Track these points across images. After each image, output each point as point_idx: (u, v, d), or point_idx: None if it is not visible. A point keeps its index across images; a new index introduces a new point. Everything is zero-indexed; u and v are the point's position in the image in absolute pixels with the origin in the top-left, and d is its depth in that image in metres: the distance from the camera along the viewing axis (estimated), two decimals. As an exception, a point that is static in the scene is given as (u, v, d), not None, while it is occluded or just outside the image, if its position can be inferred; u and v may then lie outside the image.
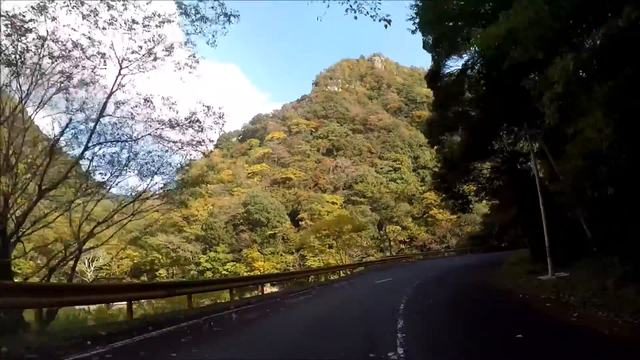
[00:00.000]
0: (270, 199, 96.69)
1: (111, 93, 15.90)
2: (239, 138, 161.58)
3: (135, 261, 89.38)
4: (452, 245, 77.74)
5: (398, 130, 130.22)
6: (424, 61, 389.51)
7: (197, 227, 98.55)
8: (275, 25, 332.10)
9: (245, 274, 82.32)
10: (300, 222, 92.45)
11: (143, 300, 22.57)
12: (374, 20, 9.28)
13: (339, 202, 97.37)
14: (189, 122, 17.25)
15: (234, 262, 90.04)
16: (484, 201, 40.62)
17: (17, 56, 13.16)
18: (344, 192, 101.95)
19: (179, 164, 18.73)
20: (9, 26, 12.87)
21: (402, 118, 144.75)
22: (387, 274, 28.17)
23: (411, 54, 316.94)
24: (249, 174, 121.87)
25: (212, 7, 15.62)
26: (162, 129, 17.08)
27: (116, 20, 15.10)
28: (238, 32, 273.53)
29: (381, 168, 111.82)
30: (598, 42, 9.50)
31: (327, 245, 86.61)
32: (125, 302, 13.54)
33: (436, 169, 32.35)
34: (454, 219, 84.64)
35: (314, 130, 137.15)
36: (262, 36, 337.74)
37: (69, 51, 14.51)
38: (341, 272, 37.54)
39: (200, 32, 16.00)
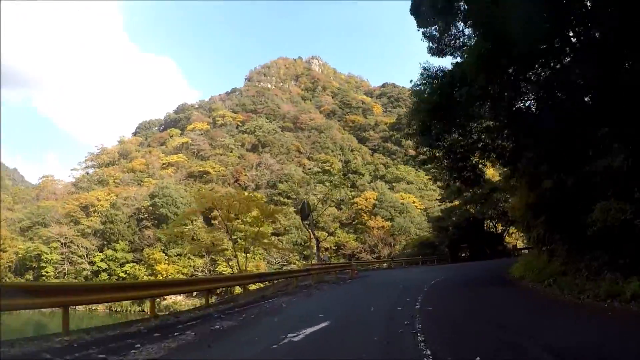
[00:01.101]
0: (182, 192, 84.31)
1: None
2: (160, 127, 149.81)
3: (19, 255, 75.60)
4: (384, 255, 69.48)
5: (330, 131, 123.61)
6: (363, 70, 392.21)
7: (96, 219, 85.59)
8: (213, 20, 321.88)
9: (145, 278, 70.21)
10: (213, 221, 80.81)
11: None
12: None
13: (260, 200, 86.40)
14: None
15: (134, 263, 77.63)
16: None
17: None
18: (266, 191, 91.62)
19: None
20: None
21: (335, 120, 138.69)
22: (316, 306, 14.30)
23: (350, 62, 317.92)
24: (163, 164, 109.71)
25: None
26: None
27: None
28: (175, 26, 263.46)
29: (309, 169, 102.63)
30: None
31: (242, 249, 76.31)
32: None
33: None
34: (387, 226, 76.84)
35: (240, 124, 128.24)
36: (199, 31, 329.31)
37: None
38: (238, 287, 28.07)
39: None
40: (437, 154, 20.81)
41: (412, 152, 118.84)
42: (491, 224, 55.40)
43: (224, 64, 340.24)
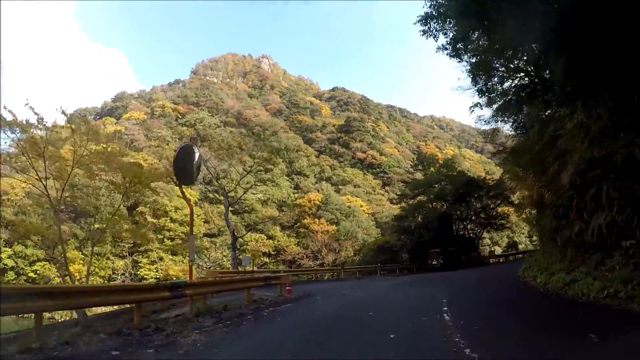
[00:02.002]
0: (106, 184, 74.83)
1: None
2: (97, 116, 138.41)
3: None
4: (328, 262, 63.10)
5: (275, 130, 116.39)
6: (314, 74, 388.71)
7: (7, 211, 74.75)
8: (166, 12, 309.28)
9: (58, 281, 60.89)
10: (137, 218, 72.07)
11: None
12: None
13: (193, 198, 78.23)
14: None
15: (46, 262, 67.60)
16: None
17: None
18: (200, 188, 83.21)
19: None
20: None
21: (281, 120, 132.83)
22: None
23: (301, 65, 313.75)
24: (90, 154, 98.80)
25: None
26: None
27: None
28: (127, 18, 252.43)
29: (250, 167, 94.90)
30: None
31: (169, 251, 68.18)
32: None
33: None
34: (332, 230, 70.60)
35: (180, 116, 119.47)
36: (151, 23, 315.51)
37: None
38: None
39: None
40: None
41: (360, 154, 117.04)
42: (462, 226, 49.82)
43: (174, 58, 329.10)
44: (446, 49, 20.10)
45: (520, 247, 68.85)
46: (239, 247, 70.34)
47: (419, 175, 62.31)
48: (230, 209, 78.61)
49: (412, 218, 48.99)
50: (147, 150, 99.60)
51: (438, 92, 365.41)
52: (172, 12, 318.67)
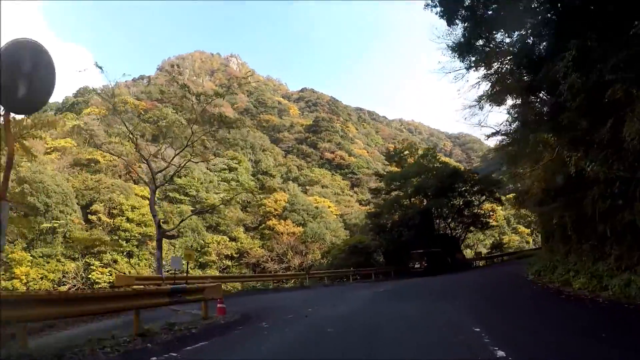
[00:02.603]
0: (58, 179, 69.83)
1: None
2: (57, 112, 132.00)
3: None
4: (294, 265, 60.03)
5: (241, 128, 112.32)
6: (283, 75, 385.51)
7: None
8: (134, 7, 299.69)
9: (3, 283, 56.25)
10: (90, 216, 67.79)
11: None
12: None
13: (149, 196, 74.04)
14: None
15: (-22, 263, 62.12)
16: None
17: None
18: (161, 186, 78.91)
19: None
20: None
21: (248, 118, 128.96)
22: None
23: (270, 65, 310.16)
24: (48, 149, 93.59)
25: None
26: None
27: None
28: (93, 14, 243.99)
29: (214, 165, 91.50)
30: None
31: (124, 253, 63.94)
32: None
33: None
34: (299, 232, 67.62)
35: (143, 112, 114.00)
36: (117, 18, 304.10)
37: None
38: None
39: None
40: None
41: (328, 155, 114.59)
42: (443, 225, 45.86)
43: (141, 54, 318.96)
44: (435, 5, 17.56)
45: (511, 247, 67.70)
46: (199, 249, 66.84)
47: (394, 169, 56.31)
48: (191, 208, 75.27)
49: (388, 215, 44.43)
50: (107, 146, 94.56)
51: (406, 96, 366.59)
52: (141, 9, 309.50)
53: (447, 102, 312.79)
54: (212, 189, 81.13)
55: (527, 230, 78.12)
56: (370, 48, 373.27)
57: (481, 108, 25.30)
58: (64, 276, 60.08)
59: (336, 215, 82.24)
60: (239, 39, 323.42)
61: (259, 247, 68.92)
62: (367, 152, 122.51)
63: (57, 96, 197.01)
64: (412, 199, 44.47)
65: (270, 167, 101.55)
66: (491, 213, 50.07)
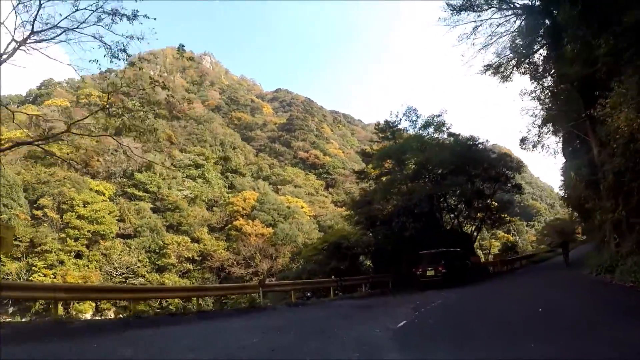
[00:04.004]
0: (5, 170, 62.62)
1: None
2: (19, 104, 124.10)
3: None
4: (263, 270, 54.03)
5: (211, 124, 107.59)
6: (257, 75, 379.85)
7: None
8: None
9: None
10: (35, 211, 61.00)
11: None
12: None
13: (108, 193, 67.57)
14: None
15: None
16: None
17: None
18: (119, 181, 72.53)
19: None
20: None
21: (220, 116, 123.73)
22: None
23: (244, 65, 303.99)
24: (2, 140, 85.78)
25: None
26: None
27: None
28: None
29: (179, 160, 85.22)
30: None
31: (72, 253, 57.29)
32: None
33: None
34: (268, 233, 61.87)
35: (107, 105, 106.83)
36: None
37: None
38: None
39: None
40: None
41: (302, 154, 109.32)
42: (449, 217, 35.91)
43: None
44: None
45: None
46: (157, 250, 60.63)
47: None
48: (151, 206, 69.07)
49: (383, 202, 32.82)
50: (67, 139, 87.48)
51: (382, 101, 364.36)
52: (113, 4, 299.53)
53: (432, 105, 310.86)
54: (175, 186, 74.82)
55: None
56: (345, 52, 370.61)
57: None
58: (5, 278, 53.06)
59: (310, 216, 76.92)
60: (213, 38, 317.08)
61: (224, 249, 62.91)
62: (343, 152, 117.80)
63: (21, 89, 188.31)
64: (411, 184, 33.30)
65: (241, 165, 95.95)
66: (507, 205, 39.52)
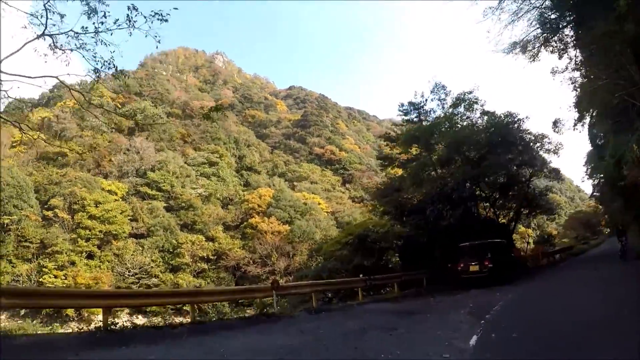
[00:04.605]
0: (14, 171, 61.58)
1: None
2: (32, 107, 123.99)
3: None
4: (280, 268, 52.11)
5: (225, 122, 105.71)
6: (270, 73, 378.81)
7: None
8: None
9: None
10: (45, 212, 59.78)
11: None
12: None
13: (120, 192, 66.13)
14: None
15: None
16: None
17: None
18: (131, 180, 71.07)
19: None
20: None
21: (233, 114, 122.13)
22: None
23: (257, 64, 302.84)
24: (14, 142, 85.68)
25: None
26: None
27: None
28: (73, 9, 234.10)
29: (192, 158, 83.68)
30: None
31: (84, 253, 55.90)
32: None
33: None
34: (285, 230, 59.78)
35: (119, 106, 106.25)
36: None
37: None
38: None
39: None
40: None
41: (317, 150, 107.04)
42: (482, 206, 32.15)
43: (124, 50, 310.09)
44: None
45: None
46: (171, 250, 59.09)
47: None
48: (164, 205, 67.55)
49: (413, 189, 29.36)
50: (79, 140, 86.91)
51: (398, 96, 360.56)
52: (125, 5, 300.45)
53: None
54: (189, 184, 73.17)
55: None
56: (359, 49, 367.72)
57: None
58: (14, 279, 51.87)
59: (327, 212, 74.57)
60: (225, 38, 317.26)
61: (240, 248, 60.87)
62: (359, 148, 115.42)
63: (34, 92, 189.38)
64: (441, 170, 30.39)
65: (256, 162, 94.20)
66: (545, 192, 35.28)
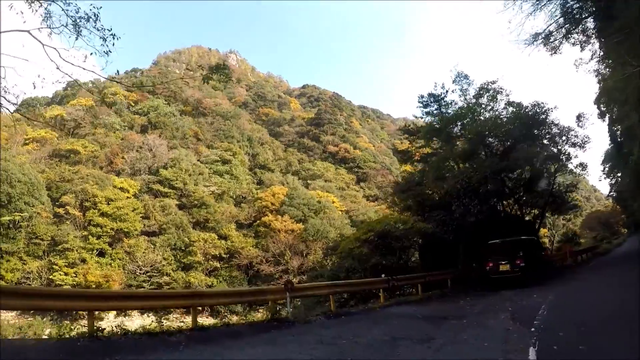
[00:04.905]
0: (26, 167, 60.94)
1: None
2: (46, 105, 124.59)
3: None
4: (293, 267, 50.99)
5: (238, 120, 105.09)
6: (284, 72, 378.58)
7: None
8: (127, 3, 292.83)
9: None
10: (57, 209, 59.24)
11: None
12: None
13: (132, 190, 65.47)
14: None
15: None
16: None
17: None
18: (144, 178, 70.39)
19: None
20: None
21: (247, 112, 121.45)
22: None
23: (270, 63, 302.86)
24: (26, 139, 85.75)
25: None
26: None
27: None
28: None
29: (205, 156, 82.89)
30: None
31: (95, 251, 55.28)
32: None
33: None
34: (298, 229, 58.58)
35: (132, 104, 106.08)
36: (113, 15, 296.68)
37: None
38: None
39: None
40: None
41: (331, 148, 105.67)
42: (505, 203, 30.40)
43: (138, 50, 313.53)
44: None
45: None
46: (183, 248, 58.29)
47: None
48: (176, 203, 66.77)
49: (434, 183, 27.63)
50: (91, 137, 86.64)
51: (411, 96, 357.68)
52: (140, 5, 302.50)
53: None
54: (202, 182, 72.28)
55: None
56: (372, 49, 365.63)
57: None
58: (26, 277, 51.33)
59: (341, 211, 73.18)
60: (238, 36, 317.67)
61: (252, 246, 59.76)
62: (374, 146, 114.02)
63: (48, 91, 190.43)
64: (463, 165, 28.45)
65: (269, 160, 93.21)
66: (571, 188, 32.80)
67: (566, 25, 22.58)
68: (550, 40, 22.94)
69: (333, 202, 74.30)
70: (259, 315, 17.58)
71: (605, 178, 45.90)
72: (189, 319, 11.39)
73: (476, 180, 24.14)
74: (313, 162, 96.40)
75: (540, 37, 22.62)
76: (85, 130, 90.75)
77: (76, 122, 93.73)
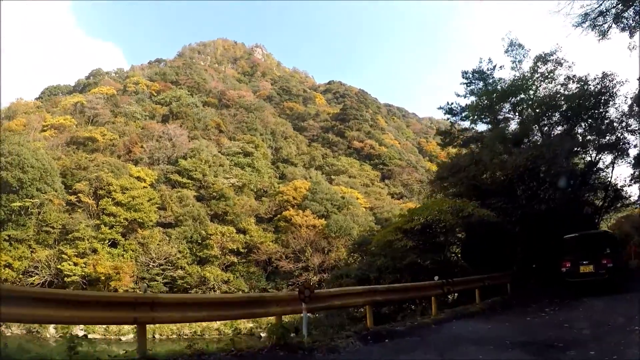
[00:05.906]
0: (39, 153, 58.90)
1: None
2: (68, 94, 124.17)
3: None
4: (314, 265, 47.84)
5: (262, 112, 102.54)
6: (310, 68, 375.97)
7: None
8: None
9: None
10: (69, 196, 57.22)
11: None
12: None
13: (149, 179, 63.14)
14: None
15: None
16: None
17: None
18: (162, 168, 68.08)
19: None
20: None
21: (272, 105, 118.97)
22: None
23: (296, 58, 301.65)
24: (44, 126, 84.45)
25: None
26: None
27: None
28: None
29: (227, 147, 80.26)
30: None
31: (107, 241, 52.96)
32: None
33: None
34: (320, 225, 55.41)
35: (155, 93, 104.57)
36: (138, 9, 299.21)
37: None
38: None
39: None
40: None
41: (356, 144, 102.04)
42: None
43: (163, 43, 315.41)
44: None
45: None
46: (199, 241, 55.63)
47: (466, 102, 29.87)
48: (194, 194, 64.19)
49: (492, 165, 22.47)
50: (111, 126, 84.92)
51: (436, 97, 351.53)
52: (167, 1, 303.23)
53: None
54: (222, 174, 69.57)
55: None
56: (400, 48, 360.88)
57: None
58: (34, 266, 49.09)
59: (365, 208, 69.66)
60: (265, 31, 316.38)
61: (272, 241, 56.68)
62: (399, 143, 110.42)
63: (70, 79, 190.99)
64: (513, 148, 23.46)
65: (292, 155, 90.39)
66: (631, 184, 25.67)
67: (618, 5, 20.11)
68: (599, 24, 20.42)
69: (357, 198, 70.95)
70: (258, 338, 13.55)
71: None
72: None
73: (548, 158, 19.50)
74: (337, 157, 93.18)
75: (589, 18, 20.21)
76: (104, 118, 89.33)
77: (96, 110, 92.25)
